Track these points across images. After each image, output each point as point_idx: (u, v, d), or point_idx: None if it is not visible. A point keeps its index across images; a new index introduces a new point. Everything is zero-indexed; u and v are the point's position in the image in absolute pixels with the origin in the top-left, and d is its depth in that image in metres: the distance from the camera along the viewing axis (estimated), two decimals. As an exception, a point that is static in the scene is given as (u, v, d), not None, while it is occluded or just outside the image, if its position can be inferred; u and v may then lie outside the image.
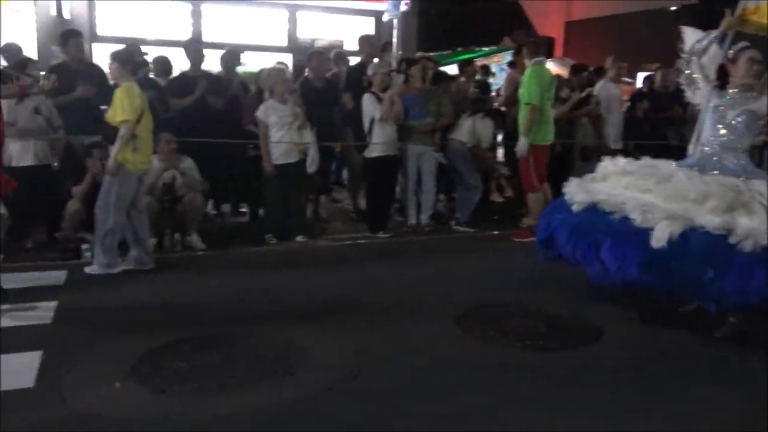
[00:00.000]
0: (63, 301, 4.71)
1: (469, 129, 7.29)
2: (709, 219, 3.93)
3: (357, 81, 7.24)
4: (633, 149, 7.80)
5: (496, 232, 7.34)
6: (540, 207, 6.81)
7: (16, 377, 3.49)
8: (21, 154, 5.97)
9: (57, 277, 5.31)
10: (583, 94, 7.84)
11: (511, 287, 5.28)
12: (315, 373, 3.65)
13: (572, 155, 7.73)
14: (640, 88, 9.51)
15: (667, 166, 4.56)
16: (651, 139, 7.98)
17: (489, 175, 8.22)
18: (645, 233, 4.06)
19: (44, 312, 4.49)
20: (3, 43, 7.59)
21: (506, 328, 4.38)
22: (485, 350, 4.05)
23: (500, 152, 8.62)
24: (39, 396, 3.33)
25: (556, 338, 4.26)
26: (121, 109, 5.26)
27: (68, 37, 6.62)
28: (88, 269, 5.40)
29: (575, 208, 4.64)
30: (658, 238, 3.98)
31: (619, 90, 8.32)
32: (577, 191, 4.71)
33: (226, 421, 3.11)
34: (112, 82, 5.86)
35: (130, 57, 5.52)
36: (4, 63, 6.75)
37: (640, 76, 11.00)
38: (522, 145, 6.62)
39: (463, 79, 8.69)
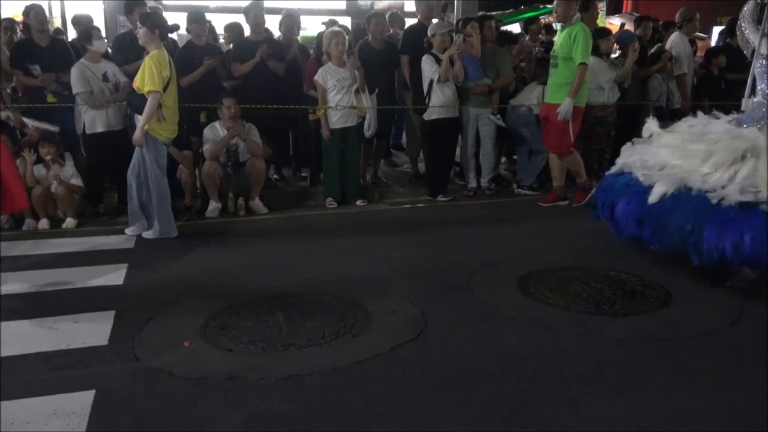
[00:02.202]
0: (133, 263, 4.88)
1: (538, 96, 7.09)
2: (697, 179, 4.19)
3: (415, 42, 7.11)
4: (709, 108, 7.46)
5: (559, 196, 7.18)
6: (579, 165, 6.62)
7: (90, 335, 3.64)
8: (93, 121, 6.15)
9: (127, 240, 5.49)
10: (654, 49, 7.49)
11: (573, 251, 5.17)
12: (378, 335, 3.67)
13: (643, 115, 7.38)
14: (716, 44, 9.04)
15: (716, 124, 4.68)
16: (728, 98, 7.60)
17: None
18: (647, 192, 4.37)
19: (116, 274, 4.66)
20: (74, 14, 7.81)
21: (570, 292, 4.30)
22: (549, 314, 3.98)
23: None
24: (112, 353, 3.46)
25: (622, 303, 4.15)
26: (150, 78, 5.16)
27: (133, 6, 6.72)
28: (145, 234, 5.53)
29: (611, 170, 4.96)
30: (653, 195, 4.30)
31: (689, 46, 7.88)
32: (621, 154, 4.93)
33: (292, 380, 3.17)
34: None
35: (158, 21, 5.32)
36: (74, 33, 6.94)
37: (715, 32, 10.46)
38: (568, 106, 6.22)
39: (527, 38, 8.45)
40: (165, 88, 5.27)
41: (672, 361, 3.37)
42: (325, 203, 6.64)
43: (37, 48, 6.40)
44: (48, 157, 5.87)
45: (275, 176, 7.64)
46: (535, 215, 6.40)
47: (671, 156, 4.53)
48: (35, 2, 6.61)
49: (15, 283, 4.45)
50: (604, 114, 6.98)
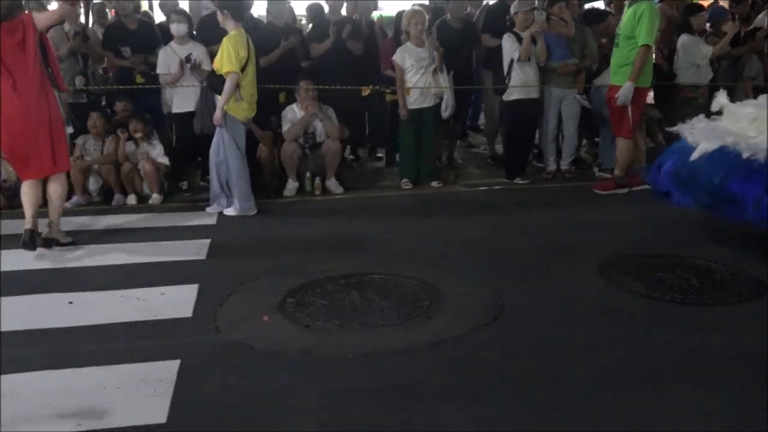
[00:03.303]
0: (216, 239, 5.02)
1: None
2: (738, 139, 4.23)
3: (497, 21, 6.96)
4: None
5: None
6: (631, 156, 6.22)
7: (175, 307, 3.79)
8: (178, 101, 6.34)
9: (209, 217, 5.66)
10: (751, 26, 7.08)
11: (657, 237, 4.98)
12: (454, 317, 3.64)
13: (737, 97, 6.99)
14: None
15: None
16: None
17: (639, 119, 7.67)
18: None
19: (199, 249, 4.81)
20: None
21: (654, 280, 4.13)
22: (631, 302, 3.84)
23: (650, 95, 8.02)
24: (195, 326, 3.58)
25: (711, 293, 3.96)
26: (227, 59, 5.24)
27: (216, -13, 6.83)
28: (226, 211, 5.67)
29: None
30: (696, 153, 4.40)
31: None
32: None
33: (367, 359, 3.19)
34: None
35: (229, 1, 5.34)
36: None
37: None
38: (627, 90, 5.85)
39: (612, 14, 8.12)
40: (243, 69, 5.35)
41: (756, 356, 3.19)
42: (400, 184, 6.64)
43: (127, 31, 6.65)
44: (137, 135, 6.10)
45: (351, 156, 7.68)
46: (615, 200, 6.16)
47: (726, 121, 4.55)
48: None
49: (104, 257, 4.66)
50: (695, 95, 6.64)
